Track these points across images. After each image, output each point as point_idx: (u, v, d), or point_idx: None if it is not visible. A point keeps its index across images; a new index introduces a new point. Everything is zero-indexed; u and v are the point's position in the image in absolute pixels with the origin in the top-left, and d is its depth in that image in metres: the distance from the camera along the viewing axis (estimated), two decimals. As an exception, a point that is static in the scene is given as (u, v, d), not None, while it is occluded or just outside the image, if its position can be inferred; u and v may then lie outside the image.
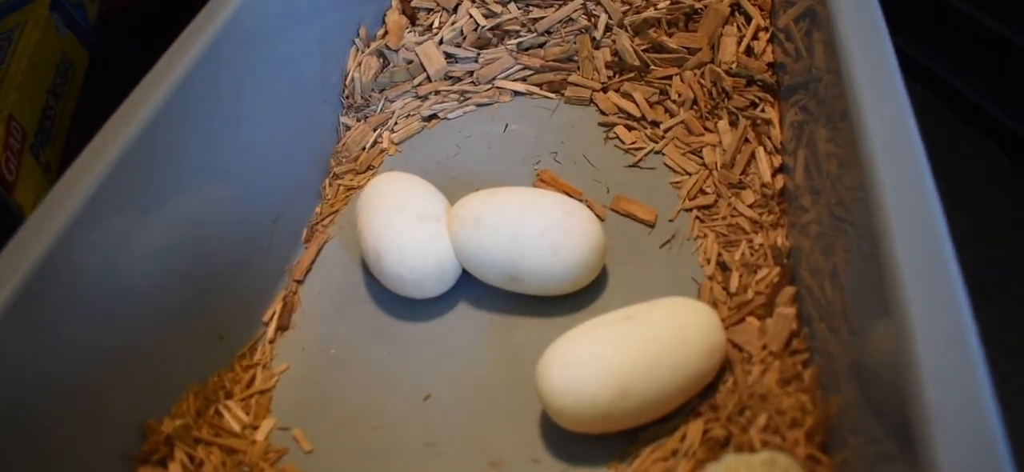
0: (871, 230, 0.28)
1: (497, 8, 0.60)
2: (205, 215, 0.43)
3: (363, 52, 0.59)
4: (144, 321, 0.39)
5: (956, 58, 0.59)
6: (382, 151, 0.56)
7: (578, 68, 0.58)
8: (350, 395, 0.43)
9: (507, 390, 0.41)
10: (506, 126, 0.56)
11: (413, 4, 0.62)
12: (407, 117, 0.58)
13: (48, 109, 0.64)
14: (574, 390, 0.36)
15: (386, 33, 0.61)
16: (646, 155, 0.51)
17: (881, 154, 0.30)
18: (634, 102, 0.54)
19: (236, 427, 0.42)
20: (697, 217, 0.47)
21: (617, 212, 0.48)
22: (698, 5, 0.54)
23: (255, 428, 0.42)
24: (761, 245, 0.43)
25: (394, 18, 0.61)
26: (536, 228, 0.42)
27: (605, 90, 0.56)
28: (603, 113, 0.55)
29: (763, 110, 0.48)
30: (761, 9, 0.52)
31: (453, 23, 0.61)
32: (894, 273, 0.26)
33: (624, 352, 0.36)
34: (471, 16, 0.60)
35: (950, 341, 0.24)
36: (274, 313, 0.47)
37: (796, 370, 0.35)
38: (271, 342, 0.46)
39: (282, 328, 0.47)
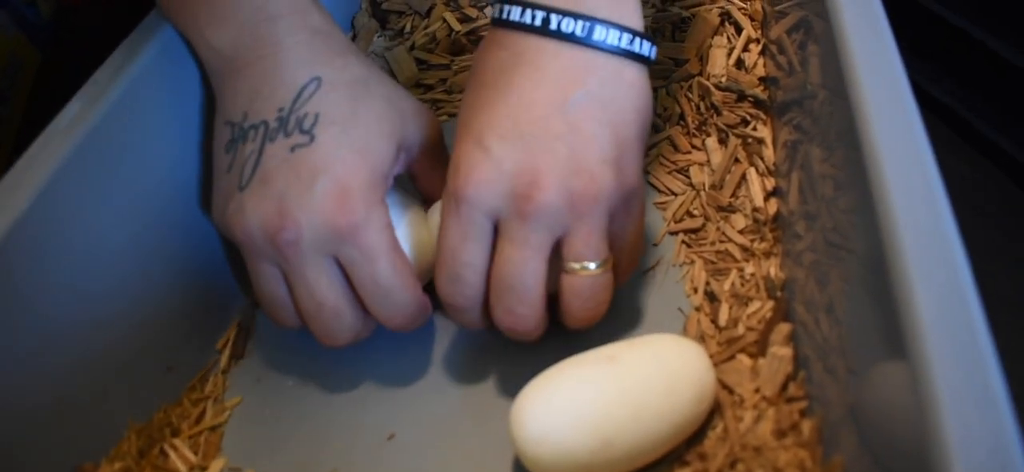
0: (881, 262, 0.25)
1: (473, 13, 0.57)
2: (151, 229, 0.40)
3: (330, 57, 0.55)
4: (80, 350, 0.36)
5: (958, 82, 0.57)
6: (349, 163, 0.53)
7: (558, 78, 0.54)
8: (308, 433, 0.40)
9: (478, 432, 0.38)
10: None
11: (384, 7, 0.59)
12: (376, 127, 0.54)
13: (-7, 112, 0.60)
14: (551, 439, 0.32)
15: (355, 37, 0.57)
16: (629, 172, 0.48)
17: (893, 178, 0.27)
18: (617, 115, 0.51)
19: (183, 468, 0.38)
20: (683, 241, 0.44)
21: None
22: (685, 14, 0.51)
23: (204, 469, 0.39)
24: (753, 275, 0.40)
25: (363, 21, 0.58)
26: None
27: (586, 102, 0.53)
28: (584, 126, 0.52)
29: (755, 128, 0.45)
30: (752, 19, 0.49)
31: (426, 28, 0.57)
32: (910, 311, 0.23)
33: (606, 398, 0.33)
34: (445, 21, 0.57)
35: (977, 397, 0.21)
36: (228, 340, 0.44)
37: (793, 419, 0.32)
38: (224, 372, 0.43)
39: (236, 357, 0.43)
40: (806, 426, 0.32)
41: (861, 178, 0.28)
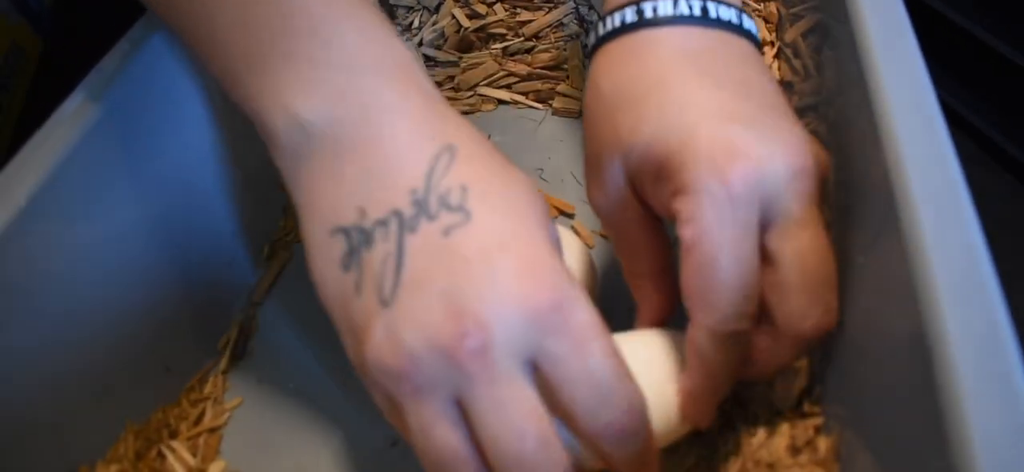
0: (906, 275, 0.24)
1: (482, 9, 0.56)
2: (152, 226, 0.39)
3: (336, 52, 0.54)
4: (77, 348, 0.35)
5: (961, 83, 0.56)
6: (354, 160, 0.52)
7: (568, 77, 0.54)
8: (309, 437, 0.39)
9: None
10: (488, 137, 0.52)
11: (391, 1, 0.58)
12: (382, 124, 0.54)
13: (-7, 101, 0.59)
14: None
15: (362, 32, 0.56)
16: (639, 175, 0.47)
17: (919, 188, 0.26)
18: (627, 117, 0.50)
19: (180, 471, 0.37)
20: (694, 248, 0.43)
21: (608, 238, 0.45)
22: (699, 15, 0.50)
23: (202, 472, 0.38)
24: (766, 284, 0.39)
25: (371, 16, 0.57)
26: None
27: (596, 102, 0.52)
28: (593, 127, 0.51)
29: (769, 133, 0.44)
30: (767, 22, 0.49)
31: (434, 23, 0.56)
32: (938, 327, 0.22)
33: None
34: (454, 17, 0.56)
35: (1008, 420, 0.20)
36: (229, 339, 0.43)
37: (809, 436, 0.31)
38: (224, 372, 0.42)
39: (237, 357, 0.43)
40: (822, 444, 0.31)
41: (883, 188, 0.27)
